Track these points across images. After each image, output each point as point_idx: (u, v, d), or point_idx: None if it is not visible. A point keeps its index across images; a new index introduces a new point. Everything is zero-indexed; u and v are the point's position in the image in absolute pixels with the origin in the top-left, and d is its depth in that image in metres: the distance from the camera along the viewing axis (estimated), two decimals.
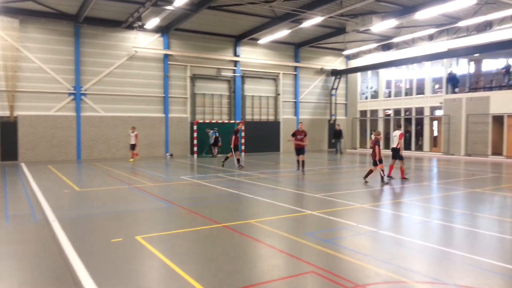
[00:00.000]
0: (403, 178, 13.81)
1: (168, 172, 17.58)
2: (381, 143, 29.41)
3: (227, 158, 18.06)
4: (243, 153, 26.44)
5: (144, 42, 24.12)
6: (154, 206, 9.81)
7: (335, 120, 31.62)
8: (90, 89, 22.85)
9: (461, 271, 5.31)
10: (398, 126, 15.98)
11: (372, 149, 13.46)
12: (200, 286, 4.70)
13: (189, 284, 4.80)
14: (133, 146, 21.27)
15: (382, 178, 13.01)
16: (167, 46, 24.75)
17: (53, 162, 20.41)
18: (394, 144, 14.36)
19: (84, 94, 22.70)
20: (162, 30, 24.29)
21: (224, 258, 5.77)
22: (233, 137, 17.42)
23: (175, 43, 25.25)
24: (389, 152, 15.32)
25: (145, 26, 22.62)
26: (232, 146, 17.48)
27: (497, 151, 22.34)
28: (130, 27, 22.97)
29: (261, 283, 4.84)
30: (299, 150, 15.78)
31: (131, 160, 21.22)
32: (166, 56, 24.81)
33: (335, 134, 27.13)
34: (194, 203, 10.29)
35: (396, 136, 14.44)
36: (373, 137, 17.48)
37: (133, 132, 21.25)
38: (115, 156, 23.28)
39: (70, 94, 22.32)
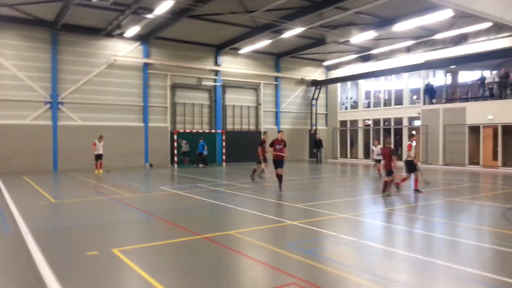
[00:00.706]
0: (417, 190, 12.94)
1: (147, 182, 17.28)
2: (361, 153, 29.91)
3: (255, 170, 16.62)
4: (223, 163, 26.29)
5: (123, 50, 23.85)
6: (132, 217, 9.57)
7: (315, 130, 31.79)
8: (68, 97, 22.40)
9: (442, 281, 5.29)
10: (410, 136, 14.16)
11: (385, 159, 12.68)
12: None
13: None
14: (100, 156, 20.04)
15: (384, 189, 12.47)
16: (147, 54, 24.54)
17: (28, 172, 19.81)
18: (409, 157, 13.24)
19: (61, 103, 22.23)
20: (142, 38, 24.08)
21: (204, 270, 5.62)
22: (260, 149, 16.01)
23: (156, 51, 25.06)
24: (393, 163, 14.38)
25: (124, 34, 22.42)
26: (262, 158, 16.09)
27: (474, 161, 22.80)
28: (110, 35, 22.72)
29: None
30: (278, 163, 13.68)
31: (99, 171, 19.91)
32: (146, 64, 24.58)
33: (315, 144, 27.35)
34: (173, 214, 10.09)
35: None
36: (375, 147, 18.06)
37: (100, 141, 20.07)
38: (93, 167, 22.74)
39: (46, 102, 21.83)
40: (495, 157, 22.16)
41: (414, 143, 13.20)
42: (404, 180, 13.31)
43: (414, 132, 14.35)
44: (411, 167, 13.00)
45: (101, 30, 22.44)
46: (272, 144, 13.82)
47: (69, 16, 20.11)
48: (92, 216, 9.69)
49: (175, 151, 24.43)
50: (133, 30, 21.52)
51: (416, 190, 12.84)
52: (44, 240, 7.24)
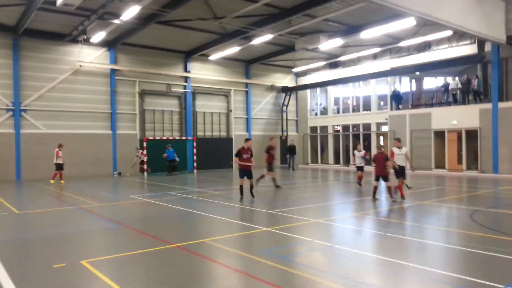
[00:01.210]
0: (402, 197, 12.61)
1: (116, 191, 16.83)
2: (331, 158, 30.27)
3: (262, 176, 15.95)
4: (195, 170, 25.99)
5: (89, 56, 23.27)
6: (101, 227, 9.25)
7: (286, 136, 31.97)
8: (31, 104, 21.61)
9: (415, 284, 5.35)
10: (399, 141, 13.51)
11: (379, 165, 12.21)
12: None
13: None
14: (60, 166, 19.13)
15: (374, 195, 12.37)
16: (114, 60, 24.03)
17: None
18: (402, 162, 12.87)
19: (24, 110, 21.42)
20: (108, 44, 23.58)
21: (177, 280, 5.46)
22: (266, 155, 15.65)
23: (123, 57, 24.58)
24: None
25: (90, 40, 21.89)
26: (265, 164, 15.73)
27: (440, 165, 23.48)
28: (75, 40, 22.13)
29: None
30: (246, 173, 12.81)
31: (54, 181, 19.05)
32: (113, 71, 24.06)
33: (289, 150, 27.40)
34: (144, 223, 9.83)
35: (403, 153, 12.99)
36: (359, 152, 16.16)
37: (61, 150, 19.19)
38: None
39: (8, 110, 20.97)
40: (459, 161, 22.91)
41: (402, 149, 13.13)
42: (399, 186, 12.85)
43: (399, 138, 14.07)
44: (401, 172, 12.79)
45: (65, 36, 21.82)
46: (238, 154, 12.82)
47: (32, 21, 19.44)
48: (58, 226, 9.30)
49: (145, 159, 23.93)
50: (99, 35, 21.02)
51: (402, 197, 12.56)
52: (6, 252, 6.89)
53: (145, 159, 23.84)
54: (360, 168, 16.26)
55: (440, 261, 6.47)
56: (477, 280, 5.25)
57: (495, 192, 15.03)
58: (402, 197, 12.55)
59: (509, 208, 11.30)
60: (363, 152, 16.28)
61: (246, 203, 12.35)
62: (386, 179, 12.17)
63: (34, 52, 21.68)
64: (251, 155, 12.95)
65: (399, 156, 12.85)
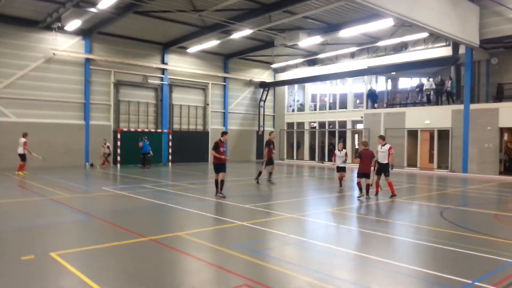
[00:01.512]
0: (394, 195, 12.48)
1: (87, 182, 16.46)
2: (306, 154, 30.49)
3: (260, 173, 15.65)
4: (169, 163, 25.72)
5: (63, 44, 22.61)
6: (71, 219, 9.02)
7: (263, 132, 32.01)
8: (1, 92, 20.84)
9: (388, 278, 5.43)
10: (382, 138, 13.31)
11: (365, 162, 12.13)
12: None
13: None
14: (20, 157, 17.93)
15: (361, 190, 12.31)
16: (89, 50, 23.44)
17: None
18: (385, 159, 12.61)
19: None
20: (84, 33, 22.97)
21: (150, 274, 5.37)
22: (266, 150, 15.44)
23: (98, 47, 24.00)
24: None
25: (65, 28, 21.30)
26: (265, 159, 15.46)
27: (412, 163, 24.01)
28: (49, 27, 21.45)
29: None
30: (220, 167, 12.16)
31: (22, 173, 17.86)
32: (88, 60, 23.47)
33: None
34: (117, 215, 9.65)
35: (385, 151, 12.67)
36: (340, 152, 14.90)
37: (23, 138, 18.01)
38: (28, 166, 21.32)
39: None
40: (431, 160, 23.49)
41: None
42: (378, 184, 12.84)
43: (383, 135, 13.88)
44: (383, 169, 12.60)
45: (39, 23, 21.11)
46: (216, 146, 12.11)
47: (4, 6, 18.76)
48: (26, 218, 9.02)
49: (118, 151, 23.50)
50: (75, 23, 20.45)
51: (376, 193, 12.71)
52: None
53: (108, 152, 23.15)
54: (342, 169, 15.08)
55: (411, 256, 6.61)
56: (447, 276, 5.38)
57: (464, 191, 15.47)
58: (377, 193, 12.71)
59: (476, 206, 11.65)
60: (344, 152, 15.14)
61: (222, 197, 12.28)
62: (368, 176, 12.19)
63: (5, 38, 20.88)
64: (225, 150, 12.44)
65: (382, 154, 12.72)
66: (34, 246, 6.69)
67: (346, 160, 15.17)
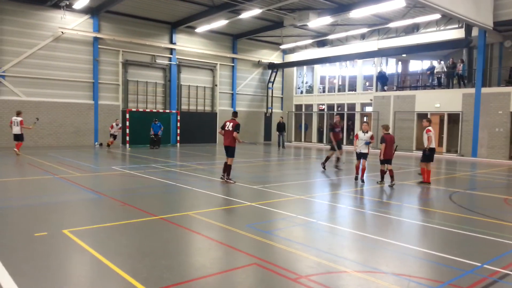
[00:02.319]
0: (427, 182, 11.89)
1: (97, 162, 16.60)
2: (314, 137, 30.42)
3: (327, 158, 15.09)
4: (178, 144, 25.81)
5: (72, 23, 22.51)
6: (83, 197, 9.14)
7: (271, 113, 31.93)
8: (10, 70, 20.92)
9: (396, 260, 5.47)
10: (428, 121, 12.24)
11: (388, 147, 11.47)
12: (135, 282, 4.37)
13: (124, 280, 4.45)
14: (19, 137, 16.96)
15: (383, 178, 11.76)
16: (97, 28, 23.33)
17: None
18: (432, 143, 11.87)
19: (3, 76, 20.74)
20: (92, 11, 22.83)
21: (161, 252, 5.45)
22: (332, 134, 14.81)
23: (107, 26, 23.87)
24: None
25: (73, 6, 21.21)
26: (334, 143, 14.74)
27: (421, 147, 23.72)
28: (57, 6, 21.36)
29: (202, 277, 4.62)
30: (228, 150, 11.39)
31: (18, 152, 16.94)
32: (96, 39, 23.38)
33: (279, 127, 26.79)
34: (127, 194, 9.75)
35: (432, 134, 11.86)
36: (365, 134, 12.02)
37: (18, 117, 17.04)
38: (37, 144, 21.61)
39: None
40: (440, 144, 23.33)
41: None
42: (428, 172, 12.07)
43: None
44: (431, 156, 11.90)
45: (47, 0, 21.01)
46: (224, 127, 11.46)
47: None
48: (38, 195, 9.15)
49: (127, 131, 23.59)
50: (83, 2, 20.32)
51: (427, 183, 11.94)
52: None
53: (116, 134, 22.36)
54: (363, 156, 12.05)
55: (419, 238, 6.63)
56: (455, 258, 5.39)
57: (473, 175, 15.40)
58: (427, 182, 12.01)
59: (485, 190, 11.60)
60: (370, 134, 12.05)
61: (231, 178, 12.33)
62: (390, 162, 11.69)
63: (14, 16, 20.83)
64: (235, 129, 11.24)
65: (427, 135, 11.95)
66: (46, 223, 6.81)
67: (369, 144, 12.17)
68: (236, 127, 11.17)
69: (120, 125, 22.78)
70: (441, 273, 5.00)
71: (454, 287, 4.49)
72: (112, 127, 22.27)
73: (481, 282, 4.65)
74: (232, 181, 11.30)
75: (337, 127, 14.97)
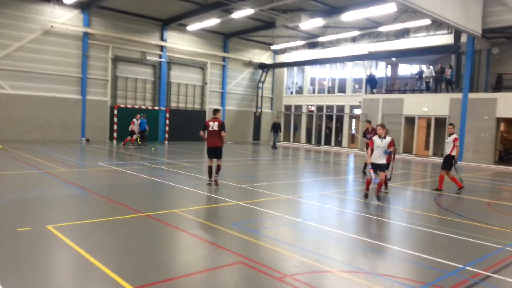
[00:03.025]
0: (461, 188, 11.38)
1: (83, 157, 16.43)
2: (303, 137, 30.54)
3: (366, 164, 13.55)
4: (166, 141, 25.67)
5: (61, 17, 22.22)
6: (67, 193, 9.04)
7: (261, 113, 31.96)
8: None
9: (381, 261, 5.52)
10: (452, 126, 11.72)
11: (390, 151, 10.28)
12: (119, 279, 4.34)
13: (108, 277, 4.41)
14: None
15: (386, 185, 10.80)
16: (87, 23, 23.07)
17: None
18: (448, 151, 11.53)
19: None
20: (82, 6, 22.57)
21: (146, 249, 5.42)
22: (367, 140, 13.20)
23: (97, 21, 23.62)
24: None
25: (63, 0, 20.88)
26: (368, 151, 13.38)
27: (408, 149, 24.13)
28: None
29: (187, 275, 4.61)
30: (215, 151, 10.44)
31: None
32: (86, 34, 23.11)
33: (274, 127, 26.70)
34: (113, 190, 9.67)
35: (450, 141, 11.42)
36: (382, 141, 9.90)
37: None
38: (23, 138, 21.29)
39: None
40: (427, 147, 23.60)
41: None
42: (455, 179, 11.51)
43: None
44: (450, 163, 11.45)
45: None
46: (206, 127, 10.45)
47: None
48: (23, 190, 9.02)
49: (115, 127, 23.38)
50: None
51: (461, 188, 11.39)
52: None
53: (135, 129, 21.50)
54: (379, 167, 9.78)
55: (404, 240, 6.70)
56: (439, 260, 5.46)
57: (458, 178, 15.57)
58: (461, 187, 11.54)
59: (469, 194, 11.76)
60: (388, 140, 9.86)
61: (219, 176, 12.29)
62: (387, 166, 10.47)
63: (2, 8, 20.47)
64: (221, 129, 10.32)
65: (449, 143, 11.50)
66: (30, 218, 6.71)
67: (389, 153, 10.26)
68: (223, 126, 10.36)
69: (139, 120, 21.74)
70: (424, 274, 5.06)
71: None
72: (133, 123, 21.30)
73: (462, 284, 4.72)
74: (218, 182, 10.44)
75: (368, 133, 14.32)
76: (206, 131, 10.46)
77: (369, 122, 14.73)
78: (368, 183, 9.90)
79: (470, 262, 5.44)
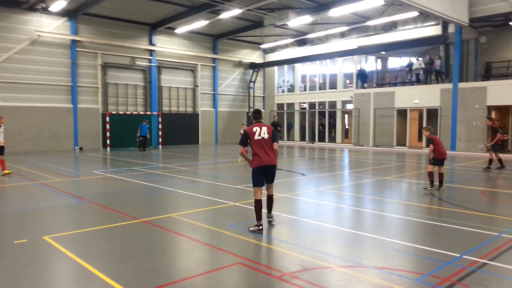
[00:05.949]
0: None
1: (77, 166, 16.35)
2: (297, 135, 30.56)
3: (491, 160, 14.59)
4: (160, 146, 25.62)
5: (48, 26, 22.11)
6: (63, 203, 9.00)
7: (251, 110, 31.96)
8: None
9: (378, 254, 5.54)
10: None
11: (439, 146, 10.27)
12: (118, 286, 4.34)
13: (107, 284, 4.40)
14: (2, 149, 13.12)
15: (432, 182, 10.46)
16: (75, 31, 22.96)
17: None
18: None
19: None
20: (69, 14, 22.46)
21: (144, 254, 5.42)
22: (496, 136, 14.21)
23: (84, 28, 23.52)
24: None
25: (49, 9, 20.82)
26: (495, 143, 14.24)
27: (401, 142, 24.26)
28: (32, 8, 20.96)
29: (186, 278, 4.61)
30: (271, 172, 7.09)
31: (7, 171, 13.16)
32: (74, 42, 23.01)
33: (272, 126, 26.76)
34: (108, 198, 9.64)
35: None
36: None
37: (0, 125, 13.15)
38: (15, 150, 21.15)
39: None
40: (420, 139, 23.73)
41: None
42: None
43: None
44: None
45: (22, 3, 20.59)
46: (252, 135, 6.75)
47: None
48: (17, 202, 8.97)
49: (108, 134, 23.30)
50: (59, 4, 19.98)
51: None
52: None
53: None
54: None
55: (400, 232, 6.73)
56: (435, 250, 5.51)
57: (452, 168, 15.68)
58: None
59: (463, 183, 11.86)
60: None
61: (213, 178, 12.30)
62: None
63: None
64: (273, 140, 6.84)
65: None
66: (26, 230, 6.68)
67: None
68: (274, 134, 6.91)
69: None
70: (421, 265, 5.10)
71: (434, 278, 4.59)
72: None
73: (460, 272, 4.76)
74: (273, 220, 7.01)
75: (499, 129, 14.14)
76: (248, 144, 6.83)
77: (490, 118, 14.89)
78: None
79: (466, 251, 5.49)
